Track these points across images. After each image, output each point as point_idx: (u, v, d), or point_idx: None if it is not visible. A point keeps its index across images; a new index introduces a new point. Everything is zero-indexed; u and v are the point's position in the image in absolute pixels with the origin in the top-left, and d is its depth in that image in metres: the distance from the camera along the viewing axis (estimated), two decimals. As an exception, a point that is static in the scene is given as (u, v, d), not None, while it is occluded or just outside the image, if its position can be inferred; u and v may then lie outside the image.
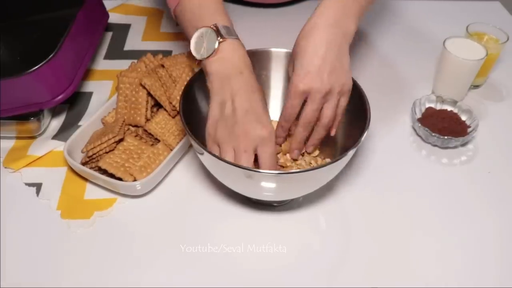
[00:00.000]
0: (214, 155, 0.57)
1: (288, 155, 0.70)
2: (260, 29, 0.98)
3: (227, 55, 0.62)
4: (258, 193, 0.63)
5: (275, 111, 0.75)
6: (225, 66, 0.61)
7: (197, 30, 0.63)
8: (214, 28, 0.62)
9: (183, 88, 0.66)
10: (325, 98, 0.61)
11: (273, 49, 0.72)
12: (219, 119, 0.60)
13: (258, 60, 0.70)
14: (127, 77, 0.73)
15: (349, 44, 0.62)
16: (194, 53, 0.63)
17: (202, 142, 0.61)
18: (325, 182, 0.63)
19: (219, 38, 0.61)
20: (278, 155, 0.70)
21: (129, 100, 0.73)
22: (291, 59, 0.64)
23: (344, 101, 0.63)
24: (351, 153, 0.59)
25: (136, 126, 0.73)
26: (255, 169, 0.56)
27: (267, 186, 0.59)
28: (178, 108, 0.66)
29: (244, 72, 0.62)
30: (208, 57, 0.61)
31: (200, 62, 0.63)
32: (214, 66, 0.62)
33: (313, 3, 1.06)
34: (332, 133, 0.65)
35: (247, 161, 0.59)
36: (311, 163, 0.69)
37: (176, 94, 0.72)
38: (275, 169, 0.62)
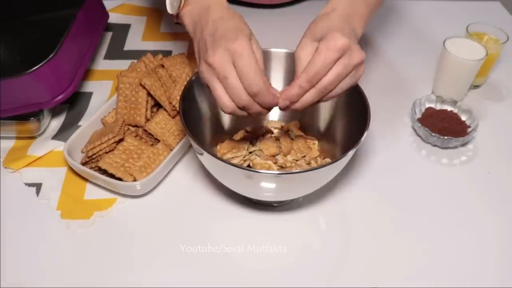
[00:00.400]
0: (213, 155, 0.57)
1: (288, 156, 0.70)
2: (260, 29, 0.98)
3: (194, 4, 0.59)
4: (257, 193, 0.63)
5: (274, 111, 0.75)
6: (195, 11, 0.59)
7: None
8: None
9: (183, 88, 0.66)
10: (351, 69, 0.54)
11: (272, 50, 0.72)
12: (199, 61, 0.56)
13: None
14: (127, 77, 0.73)
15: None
16: (169, 9, 0.61)
17: (202, 142, 0.61)
18: (325, 182, 0.63)
19: None
20: (278, 156, 0.70)
21: (129, 100, 0.73)
22: (307, 38, 0.57)
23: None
24: (351, 153, 0.59)
25: (136, 126, 0.73)
26: (254, 170, 0.56)
27: (266, 187, 0.59)
28: (178, 108, 0.66)
29: (211, 6, 0.57)
30: (179, 9, 0.60)
31: (177, 17, 0.61)
32: (187, 17, 0.60)
33: (313, 3, 1.06)
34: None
35: (234, 86, 0.52)
36: (310, 163, 0.69)
37: (176, 94, 0.72)
38: (260, 80, 0.52)
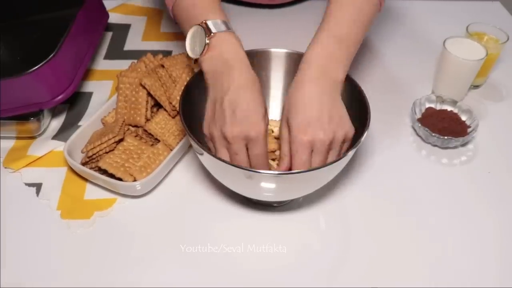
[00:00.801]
0: (213, 156, 0.57)
1: None
2: (260, 29, 0.98)
3: (216, 51, 0.60)
4: (257, 194, 0.63)
5: (274, 111, 0.75)
6: (216, 63, 0.60)
7: (190, 29, 0.62)
8: (204, 25, 0.61)
9: (183, 88, 0.66)
10: (329, 147, 0.59)
11: (272, 50, 0.71)
12: (211, 119, 0.60)
13: (258, 60, 0.70)
14: (127, 77, 0.73)
15: (340, 92, 0.62)
16: (189, 53, 0.62)
17: (202, 142, 0.61)
18: (325, 183, 0.63)
19: (208, 35, 0.60)
20: (277, 153, 0.70)
21: (129, 100, 0.73)
22: (284, 116, 0.61)
23: (346, 146, 0.62)
24: (351, 153, 0.59)
25: (136, 126, 0.73)
26: (254, 170, 0.56)
27: (267, 187, 0.59)
28: (178, 108, 0.66)
29: (235, 66, 0.60)
30: (201, 54, 0.61)
31: (196, 61, 0.63)
32: (206, 64, 0.61)
33: (313, 3, 1.06)
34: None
35: (241, 162, 0.59)
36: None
37: (176, 94, 0.72)
38: (265, 166, 0.61)
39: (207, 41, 0.60)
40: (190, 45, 0.62)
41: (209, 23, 0.61)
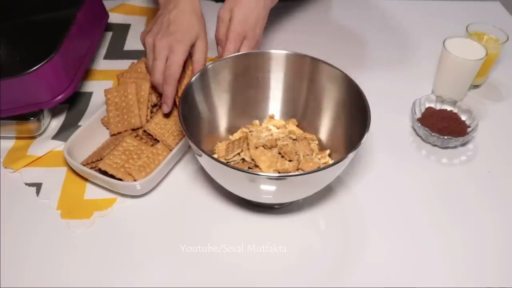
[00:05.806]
0: (212, 157, 0.57)
1: (290, 162, 0.69)
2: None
3: None
4: (256, 196, 0.63)
5: (274, 112, 0.75)
6: None
7: None
8: None
9: (183, 88, 0.66)
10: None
11: (272, 51, 0.71)
12: (150, 30, 0.70)
13: (255, 62, 0.71)
14: (110, 93, 0.73)
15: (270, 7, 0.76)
16: None
17: (201, 144, 0.61)
18: (325, 184, 0.63)
19: None
20: (276, 159, 0.69)
21: (119, 107, 0.72)
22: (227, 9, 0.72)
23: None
24: (351, 155, 0.59)
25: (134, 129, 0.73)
26: (255, 172, 0.56)
27: (266, 189, 0.58)
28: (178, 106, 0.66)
29: None
30: None
31: None
32: None
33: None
34: None
35: (156, 67, 0.67)
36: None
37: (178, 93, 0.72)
38: (175, 74, 0.67)
39: None
40: None
41: None
